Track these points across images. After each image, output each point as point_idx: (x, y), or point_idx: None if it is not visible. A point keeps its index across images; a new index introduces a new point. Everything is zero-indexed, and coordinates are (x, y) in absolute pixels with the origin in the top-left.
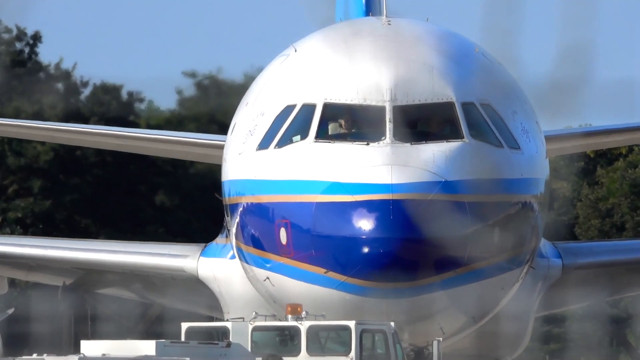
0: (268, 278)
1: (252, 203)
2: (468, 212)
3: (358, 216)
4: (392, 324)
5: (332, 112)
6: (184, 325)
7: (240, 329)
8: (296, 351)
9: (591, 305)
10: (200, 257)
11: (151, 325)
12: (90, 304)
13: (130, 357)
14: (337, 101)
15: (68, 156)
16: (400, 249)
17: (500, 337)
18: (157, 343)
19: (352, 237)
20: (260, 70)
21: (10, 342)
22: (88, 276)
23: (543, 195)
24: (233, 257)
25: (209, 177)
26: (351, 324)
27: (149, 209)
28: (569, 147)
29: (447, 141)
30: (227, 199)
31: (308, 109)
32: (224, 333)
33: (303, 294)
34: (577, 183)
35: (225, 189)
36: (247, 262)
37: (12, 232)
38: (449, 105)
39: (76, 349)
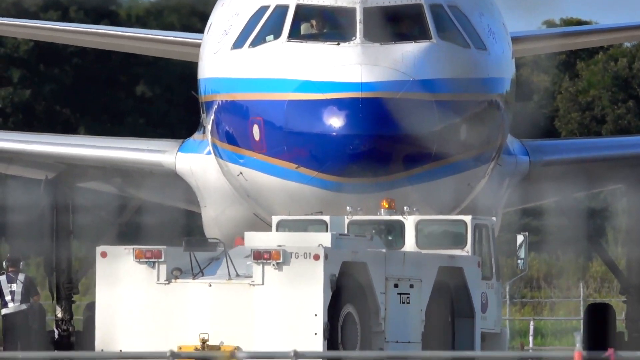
0: (241, 173)
1: (226, 101)
2: (435, 111)
3: (328, 113)
4: (494, 218)
5: (304, 12)
6: (275, 218)
7: (337, 223)
8: (398, 245)
9: (571, 199)
10: (178, 153)
11: (131, 217)
12: (71, 197)
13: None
14: (310, 2)
15: (48, 46)
16: (369, 145)
17: None
18: (332, 235)
19: (322, 134)
20: None
21: None
22: (70, 170)
23: (509, 95)
24: (209, 153)
25: (189, 68)
26: (467, 218)
27: (129, 100)
28: (546, 47)
29: (415, 41)
30: (203, 97)
31: (281, 10)
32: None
33: (275, 189)
34: (557, 76)
35: (202, 86)
36: (221, 158)
37: None
38: (418, 7)
39: (58, 242)
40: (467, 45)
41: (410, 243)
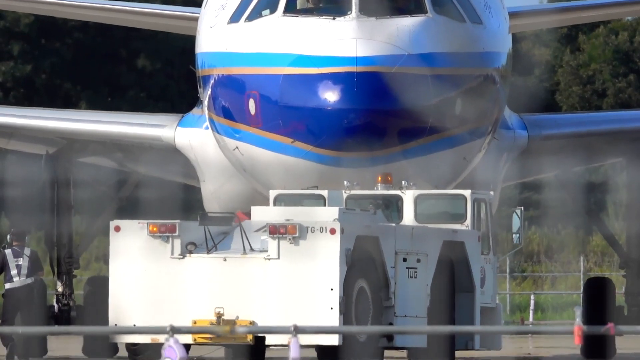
0: (237, 147)
1: (223, 75)
2: (430, 85)
3: (323, 88)
4: (492, 193)
5: None
6: (273, 193)
7: (335, 197)
8: (396, 220)
9: (571, 173)
10: (178, 127)
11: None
12: (72, 172)
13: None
14: None
15: (48, 20)
16: (363, 119)
17: None
18: (339, 209)
19: (317, 108)
20: None
21: None
22: (70, 145)
23: (505, 69)
24: (208, 127)
25: (190, 42)
26: (467, 193)
27: (129, 74)
28: (547, 22)
29: (411, 16)
30: (200, 71)
31: None
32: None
33: (271, 163)
34: (558, 49)
35: (199, 61)
36: (218, 132)
37: None
38: None
39: (59, 217)
40: (463, 19)
41: (409, 217)
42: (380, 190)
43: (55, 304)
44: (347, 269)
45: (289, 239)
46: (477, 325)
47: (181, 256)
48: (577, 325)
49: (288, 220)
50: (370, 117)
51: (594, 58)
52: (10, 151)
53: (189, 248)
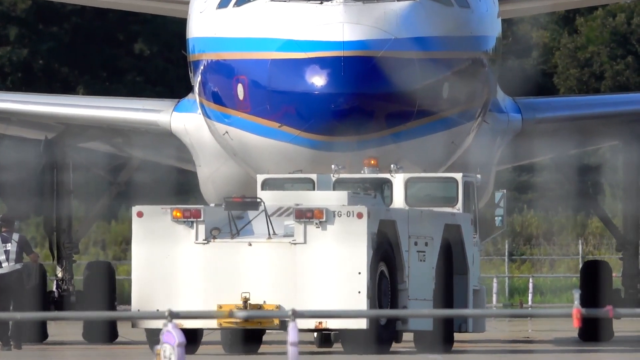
0: (227, 132)
1: (212, 60)
2: (417, 69)
3: (310, 72)
4: (479, 176)
5: None
6: (260, 177)
7: (324, 181)
8: (386, 203)
9: (567, 156)
10: (173, 112)
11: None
12: (71, 157)
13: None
14: None
15: (45, 4)
16: (350, 103)
17: None
18: (349, 194)
19: (305, 93)
20: None
21: None
22: (68, 130)
23: (495, 53)
24: None
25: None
26: (458, 176)
27: (127, 57)
28: (539, 7)
29: (398, 0)
30: (191, 56)
31: None
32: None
33: (260, 147)
34: (556, 32)
35: (190, 46)
36: (208, 117)
37: None
38: None
39: (58, 202)
40: (450, 3)
41: (399, 201)
42: (369, 174)
43: (55, 290)
44: (372, 253)
45: (316, 224)
46: (470, 307)
47: (205, 241)
48: (576, 308)
49: (298, 204)
50: (357, 101)
51: (592, 40)
52: (7, 136)
53: (213, 233)
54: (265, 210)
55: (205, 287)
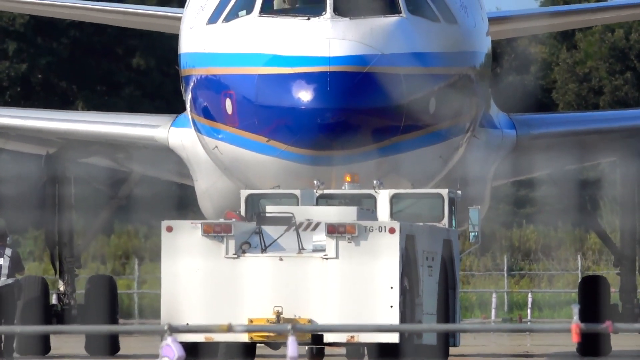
0: (217, 147)
1: (202, 75)
2: (404, 84)
3: (297, 87)
4: (459, 192)
5: None
6: (244, 193)
7: (307, 196)
8: None
9: (565, 172)
10: (171, 127)
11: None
12: (72, 172)
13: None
14: None
15: (44, 19)
16: (337, 118)
17: None
18: (358, 209)
19: (291, 108)
20: None
21: None
22: (69, 145)
23: (483, 68)
24: None
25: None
26: (444, 192)
27: (125, 71)
28: (537, 27)
29: (385, 16)
30: (182, 71)
31: None
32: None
33: (248, 162)
34: (554, 47)
35: (181, 61)
36: (199, 132)
37: None
38: None
39: (60, 216)
40: (437, 19)
41: (384, 217)
42: (352, 190)
43: (57, 303)
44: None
45: (348, 239)
46: (458, 322)
47: (236, 256)
48: (575, 323)
49: (309, 219)
50: (343, 116)
51: (590, 56)
52: (7, 151)
53: (243, 248)
54: (295, 224)
55: (236, 301)
